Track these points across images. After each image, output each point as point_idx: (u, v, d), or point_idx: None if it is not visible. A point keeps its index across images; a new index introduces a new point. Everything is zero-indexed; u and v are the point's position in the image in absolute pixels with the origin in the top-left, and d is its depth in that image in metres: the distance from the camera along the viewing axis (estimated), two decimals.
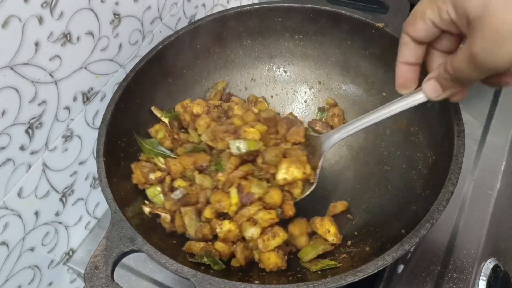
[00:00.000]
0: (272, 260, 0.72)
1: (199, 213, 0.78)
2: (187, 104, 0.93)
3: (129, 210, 0.74)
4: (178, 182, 0.83)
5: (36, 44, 0.69)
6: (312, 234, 0.79)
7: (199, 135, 0.87)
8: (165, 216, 0.78)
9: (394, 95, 0.90)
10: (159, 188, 0.81)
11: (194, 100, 0.96)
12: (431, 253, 0.82)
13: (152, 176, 0.81)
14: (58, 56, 0.73)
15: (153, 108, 0.91)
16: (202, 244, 0.75)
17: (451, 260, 0.81)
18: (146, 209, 0.78)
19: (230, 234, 0.74)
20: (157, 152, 0.86)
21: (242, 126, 0.82)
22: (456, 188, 0.67)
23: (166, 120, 0.91)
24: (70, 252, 0.92)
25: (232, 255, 0.75)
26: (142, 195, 0.82)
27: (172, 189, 0.83)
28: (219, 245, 0.74)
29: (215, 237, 0.76)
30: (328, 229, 0.77)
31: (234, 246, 0.75)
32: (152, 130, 0.89)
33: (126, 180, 0.81)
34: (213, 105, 0.94)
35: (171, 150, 0.87)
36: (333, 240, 0.77)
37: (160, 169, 0.84)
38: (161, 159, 0.85)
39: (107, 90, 0.87)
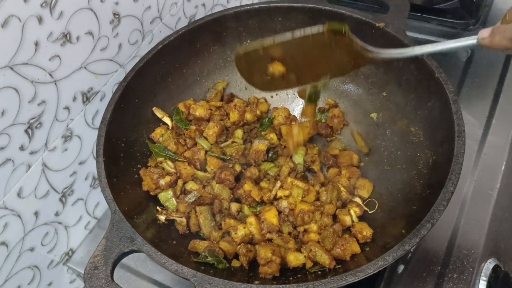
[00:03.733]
0: (300, 258, 0.72)
1: (213, 213, 0.81)
2: (189, 104, 0.93)
3: (142, 218, 0.75)
4: (190, 185, 0.84)
5: (36, 44, 0.69)
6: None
7: (212, 144, 0.89)
8: (181, 220, 0.79)
9: (394, 95, 0.91)
10: (171, 192, 0.82)
11: (195, 100, 0.96)
12: (432, 253, 0.82)
13: (162, 182, 0.82)
14: (58, 56, 0.73)
15: (154, 109, 0.91)
16: (206, 243, 0.75)
17: (451, 260, 0.80)
18: (162, 217, 0.79)
19: (246, 238, 0.75)
20: (165, 155, 0.86)
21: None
22: (456, 188, 0.67)
23: (168, 121, 0.91)
24: (70, 252, 0.92)
25: (237, 254, 0.75)
26: (153, 201, 0.82)
27: (184, 191, 0.84)
28: (223, 244, 0.74)
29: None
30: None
31: (239, 246, 0.75)
32: (154, 135, 0.89)
33: (135, 189, 0.81)
34: (215, 107, 0.94)
35: (175, 153, 0.87)
36: (324, 263, 0.72)
37: (169, 173, 0.84)
38: (170, 163, 0.86)
39: (106, 90, 0.87)
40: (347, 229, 0.79)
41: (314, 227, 0.77)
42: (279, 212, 0.79)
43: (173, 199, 0.82)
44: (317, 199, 0.82)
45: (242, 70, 0.75)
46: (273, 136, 0.92)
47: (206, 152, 0.88)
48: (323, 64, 0.72)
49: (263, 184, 0.85)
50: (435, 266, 0.80)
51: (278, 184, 0.83)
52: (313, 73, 0.74)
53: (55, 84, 0.75)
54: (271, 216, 0.77)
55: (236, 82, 1.01)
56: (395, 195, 0.81)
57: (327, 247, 0.74)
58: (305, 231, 0.77)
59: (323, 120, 0.96)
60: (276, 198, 0.82)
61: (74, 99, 0.80)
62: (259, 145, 0.89)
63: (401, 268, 0.80)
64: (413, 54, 0.68)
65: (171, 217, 0.79)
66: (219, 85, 0.99)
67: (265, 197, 0.82)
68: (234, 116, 0.92)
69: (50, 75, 0.73)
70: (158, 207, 0.81)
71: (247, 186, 0.81)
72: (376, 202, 0.82)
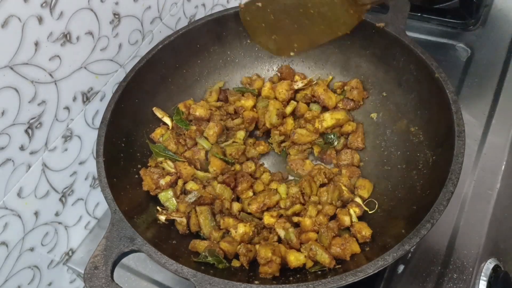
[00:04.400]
0: (300, 258, 0.72)
1: (213, 213, 0.81)
2: (189, 104, 0.93)
3: (142, 218, 0.75)
4: (190, 185, 0.84)
5: (36, 44, 0.69)
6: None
7: (212, 144, 0.89)
8: (181, 220, 0.79)
9: (394, 95, 0.91)
10: (171, 192, 0.82)
11: (195, 100, 0.96)
12: (431, 253, 0.82)
13: (162, 182, 0.82)
14: (58, 56, 0.73)
15: (154, 109, 0.91)
16: (206, 243, 0.75)
17: (451, 260, 0.81)
18: (162, 217, 0.79)
19: (246, 236, 0.75)
20: (166, 155, 0.86)
21: None
22: (456, 188, 0.67)
23: (168, 121, 0.91)
24: (70, 252, 0.92)
25: (237, 254, 0.75)
26: (153, 201, 0.82)
27: (185, 191, 0.84)
28: (223, 244, 0.74)
29: None
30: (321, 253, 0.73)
31: (239, 246, 0.75)
32: (154, 135, 0.89)
33: (135, 189, 0.81)
34: (215, 107, 0.94)
35: (176, 153, 0.87)
36: (324, 262, 0.72)
37: (169, 173, 0.84)
38: (170, 163, 0.86)
39: (106, 90, 0.87)
40: (347, 229, 0.79)
41: (307, 221, 0.77)
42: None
43: (173, 199, 0.82)
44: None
45: (248, 26, 0.81)
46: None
47: (206, 152, 0.88)
48: (324, 20, 0.75)
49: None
50: (435, 266, 0.80)
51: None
52: (316, 31, 0.76)
53: (55, 84, 0.75)
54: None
55: (236, 82, 1.01)
56: (395, 195, 0.81)
57: (324, 244, 0.74)
58: (301, 232, 0.77)
59: (344, 96, 0.94)
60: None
61: (74, 99, 0.80)
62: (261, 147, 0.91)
63: (401, 268, 0.80)
64: None
65: (171, 217, 0.79)
66: (216, 84, 0.99)
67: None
68: (238, 121, 0.92)
69: (50, 75, 0.73)
70: (158, 207, 0.81)
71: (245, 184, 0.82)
72: (376, 202, 0.82)
